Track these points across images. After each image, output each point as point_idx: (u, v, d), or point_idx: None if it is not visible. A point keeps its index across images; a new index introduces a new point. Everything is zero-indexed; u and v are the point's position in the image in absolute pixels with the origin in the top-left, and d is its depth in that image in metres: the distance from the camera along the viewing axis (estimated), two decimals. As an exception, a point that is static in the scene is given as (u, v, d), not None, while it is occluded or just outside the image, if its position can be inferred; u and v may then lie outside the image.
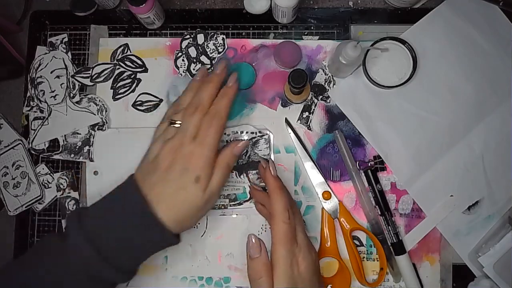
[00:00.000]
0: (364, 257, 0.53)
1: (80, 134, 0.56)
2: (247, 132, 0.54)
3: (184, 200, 0.44)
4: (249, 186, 0.53)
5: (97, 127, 0.56)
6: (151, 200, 0.43)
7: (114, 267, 0.41)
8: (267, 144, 0.54)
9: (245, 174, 0.54)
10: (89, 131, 0.56)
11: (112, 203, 0.45)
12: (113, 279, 0.43)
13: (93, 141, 0.56)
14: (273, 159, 0.54)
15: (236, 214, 0.54)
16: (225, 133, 0.54)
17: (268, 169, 0.47)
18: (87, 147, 0.56)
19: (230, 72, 0.50)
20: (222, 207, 0.54)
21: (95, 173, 0.56)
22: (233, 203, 0.54)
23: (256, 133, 0.54)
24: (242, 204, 0.54)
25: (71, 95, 0.57)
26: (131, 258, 0.44)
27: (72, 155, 0.56)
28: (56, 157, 0.56)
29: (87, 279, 0.41)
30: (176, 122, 0.47)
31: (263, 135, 0.54)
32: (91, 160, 0.56)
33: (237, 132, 0.54)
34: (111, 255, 0.41)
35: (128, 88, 0.57)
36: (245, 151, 0.54)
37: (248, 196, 0.53)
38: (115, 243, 0.42)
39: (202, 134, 0.45)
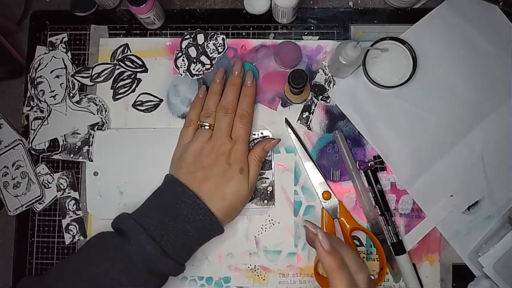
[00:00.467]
0: (364, 257, 0.53)
1: (79, 134, 0.56)
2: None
3: (233, 192, 0.48)
4: (303, 227, 0.52)
5: (96, 127, 0.56)
6: (203, 195, 0.47)
7: (174, 260, 0.45)
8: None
9: None
10: (88, 131, 0.56)
11: (164, 201, 0.48)
12: (171, 271, 0.46)
13: (92, 141, 0.56)
14: (274, 159, 0.54)
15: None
16: None
17: (319, 242, 0.44)
18: (86, 147, 0.56)
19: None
20: None
21: (95, 173, 0.56)
22: None
23: (257, 134, 0.54)
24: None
25: (71, 95, 0.57)
26: (188, 250, 0.48)
27: (72, 155, 0.56)
28: (56, 157, 0.56)
29: (147, 273, 0.44)
30: (205, 124, 0.51)
31: (265, 137, 0.54)
32: (90, 160, 0.56)
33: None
34: (171, 250, 0.45)
35: (128, 88, 0.57)
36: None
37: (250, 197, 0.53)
38: (174, 238, 0.45)
39: (236, 132, 0.50)
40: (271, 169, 0.54)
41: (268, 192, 0.54)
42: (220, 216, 0.47)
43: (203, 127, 0.51)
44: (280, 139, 0.53)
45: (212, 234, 0.49)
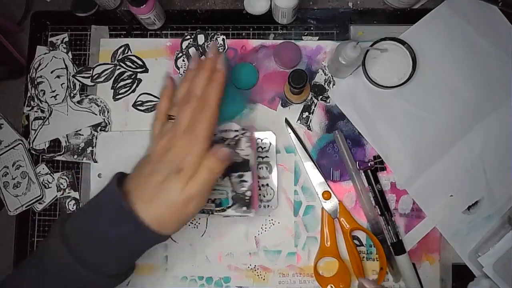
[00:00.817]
0: (364, 257, 0.53)
1: (82, 135, 0.56)
2: (231, 131, 0.51)
3: (164, 194, 0.40)
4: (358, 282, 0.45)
5: (99, 127, 0.56)
6: (132, 195, 0.41)
7: (93, 270, 0.39)
8: (248, 143, 0.50)
9: (228, 177, 0.49)
10: (91, 132, 0.56)
11: (93, 201, 0.43)
12: (94, 282, 0.40)
13: (95, 142, 0.56)
14: (275, 160, 0.54)
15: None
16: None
17: None
18: (90, 148, 0.56)
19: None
20: (210, 212, 0.50)
21: (99, 175, 0.56)
22: (218, 208, 0.50)
23: (238, 130, 0.50)
24: (225, 210, 0.49)
25: (72, 95, 0.57)
26: (115, 259, 0.41)
27: (75, 156, 0.56)
28: (59, 158, 0.56)
29: (66, 283, 0.39)
30: (172, 116, 0.46)
31: (245, 132, 0.50)
32: (95, 161, 0.56)
33: (222, 131, 0.51)
34: (88, 258, 0.39)
35: (128, 88, 0.57)
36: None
37: (231, 202, 0.49)
38: (91, 245, 0.40)
39: (192, 124, 0.43)
40: (250, 170, 0.49)
41: (247, 197, 0.49)
42: (150, 220, 0.40)
43: (170, 120, 0.45)
44: (235, 151, 0.48)
45: (147, 243, 0.42)
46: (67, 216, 0.43)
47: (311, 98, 0.55)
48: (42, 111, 0.57)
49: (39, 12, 0.59)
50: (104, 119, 0.56)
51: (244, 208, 0.49)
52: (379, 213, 0.53)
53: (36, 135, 0.57)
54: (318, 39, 0.56)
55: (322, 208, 0.53)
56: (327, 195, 0.53)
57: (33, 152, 0.57)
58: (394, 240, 0.52)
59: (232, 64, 0.56)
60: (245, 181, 0.49)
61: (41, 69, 0.57)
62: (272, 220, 0.54)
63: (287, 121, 0.55)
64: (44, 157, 0.57)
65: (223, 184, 0.50)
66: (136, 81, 0.57)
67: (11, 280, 0.42)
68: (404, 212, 0.54)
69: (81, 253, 0.39)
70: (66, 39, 0.58)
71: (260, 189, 0.54)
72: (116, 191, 0.40)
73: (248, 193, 0.49)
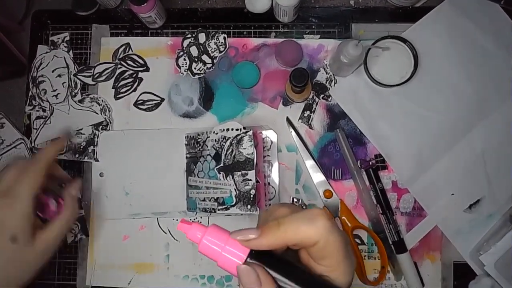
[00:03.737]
0: (365, 256, 0.53)
1: (84, 134, 0.56)
2: (232, 129, 0.51)
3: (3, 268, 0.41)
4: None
5: (101, 127, 0.56)
6: None
7: None
8: (251, 141, 0.50)
9: (231, 176, 0.50)
10: (93, 131, 0.56)
11: None
12: None
13: (97, 141, 0.56)
14: (276, 159, 0.54)
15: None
16: (213, 132, 0.52)
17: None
18: (91, 147, 0.56)
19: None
20: (212, 211, 0.51)
21: (101, 174, 0.56)
22: (221, 207, 0.50)
23: (240, 129, 0.50)
24: (229, 209, 0.50)
25: (73, 94, 0.57)
26: None
27: (77, 155, 0.56)
28: (61, 157, 0.56)
29: None
30: None
31: (247, 132, 0.50)
32: (96, 160, 0.56)
33: (223, 130, 0.51)
34: None
35: (129, 87, 0.57)
36: (230, 149, 0.50)
37: (234, 201, 0.49)
38: None
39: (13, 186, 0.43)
40: (253, 169, 0.49)
41: (251, 196, 0.49)
42: None
43: None
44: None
45: None
46: None
47: (313, 97, 0.55)
48: (44, 110, 0.57)
49: (40, 11, 0.59)
50: (105, 118, 0.56)
51: (249, 207, 0.49)
52: (381, 211, 0.53)
53: (38, 134, 0.57)
54: (320, 38, 0.56)
55: (324, 206, 0.53)
56: (328, 194, 0.53)
57: (35, 151, 0.57)
58: (396, 239, 0.52)
59: (233, 63, 0.56)
60: (249, 180, 0.49)
61: (42, 68, 0.57)
62: (273, 219, 0.54)
63: (288, 120, 0.55)
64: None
65: (226, 183, 0.50)
66: (137, 80, 0.57)
67: None
68: (406, 210, 0.54)
69: None
70: (67, 38, 0.58)
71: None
72: None
73: (253, 192, 0.49)
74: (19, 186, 0.42)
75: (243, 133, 0.50)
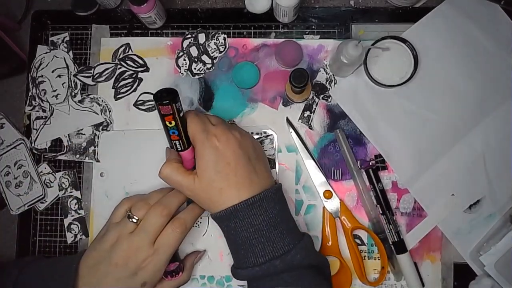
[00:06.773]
0: (365, 256, 0.53)
1: (84, 134, 0.56)
2: (251, 133, 0.53)
3: None
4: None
5: (101, 127, 0.56)
6: (84, 283, 0.43)
7: None
8: (272, 144, 0.54)
9: None
10: (93, 131, 0.56)
11: (48, 269, 0.45)
12: None
13: (98, 141, 0.56)
14: (276, 159, 0.54)
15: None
16: None
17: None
18: (92, 148, 0.56)
19: None
20: None
21: (101, 174, 0.56)
22: None
23: (261, 133, 0.54)
24: None
25: (73, 94, 0.57)
26: None
27: (78, 156, 0.56)
28: (62, 157, 0.56)
29: None
30: (134, 217, 0.45)
31: (268, 135, 0.54)
32: (97, 161, 0.56)
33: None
34: None
35: (129, 87, 0.57)
36: None
37: None
38: None
39: (162, 241, 0.44)
40: (274, 168, 0.53)
41: None
42: None
43: (130, 219, 0.45)
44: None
45: None
46: (25, 263, 0.46)
47: (313, 97, 0.55)
48: (44, 111, 0.57)
49: (40, 11, 0.59)
50: (105, 118, 0.56)
51: None
52: (381, 212, 0.53)
53: (38, 134, 0.57)
54: (320, 38, 0.56)
55: (324, 207, 0.53)
56: (328, 194, 0.53)
57: (35, 151, 0.57)
58: (396, 239, 0.52)
59: (233, 63, 0.56)
60: None
61: (42, 69, 0.57)
62: (273, 219, 0.54)
63: (288, 120, 0.55)
64: (46, 156, 0.57)
65: None
66: (137, 80, 0.57)
67: None
68: (406, 211, 0.54)
69: None
70: (67, 38, 0.58)
71: None
72: (72, 273, 0.43)
73: None
74: (168, 243, 0.44)
75: (264, 137, 0.54)
